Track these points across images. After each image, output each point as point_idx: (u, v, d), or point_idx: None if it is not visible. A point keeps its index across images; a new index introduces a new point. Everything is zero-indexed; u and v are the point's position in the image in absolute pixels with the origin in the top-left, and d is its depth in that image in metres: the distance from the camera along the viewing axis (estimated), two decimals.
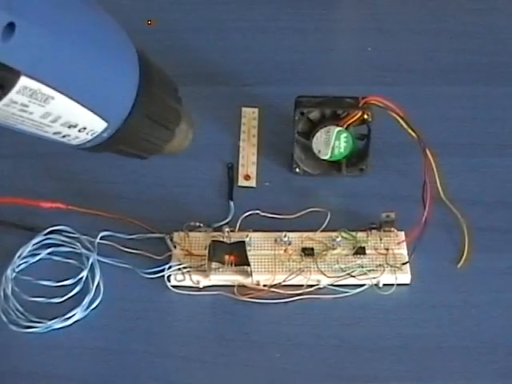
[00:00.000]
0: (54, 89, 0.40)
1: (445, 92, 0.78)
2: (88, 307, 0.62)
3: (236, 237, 0.64)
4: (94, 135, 0.46)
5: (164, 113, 0.51)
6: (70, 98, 0.42)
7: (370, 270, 0.63)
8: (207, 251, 0.62)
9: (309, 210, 0.67)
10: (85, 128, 0.45)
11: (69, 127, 0.44)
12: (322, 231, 0.65)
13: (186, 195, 0.70)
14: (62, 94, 0.41)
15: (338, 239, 0.64)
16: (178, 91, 0.52)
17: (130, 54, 0.46)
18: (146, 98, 0.47)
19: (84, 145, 0.47)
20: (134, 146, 0.50)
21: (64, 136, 0.45)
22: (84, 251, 0.65)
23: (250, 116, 0.76)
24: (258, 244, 0.65)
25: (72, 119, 0.43)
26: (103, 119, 0.45)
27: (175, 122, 0.52)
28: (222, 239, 0.64)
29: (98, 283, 0.63)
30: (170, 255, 0.64)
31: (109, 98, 0.45)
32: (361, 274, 0.63)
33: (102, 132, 0.47)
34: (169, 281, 0.63)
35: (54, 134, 0.44)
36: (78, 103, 0.42)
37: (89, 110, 0.44)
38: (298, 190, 0.71)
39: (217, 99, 0.77)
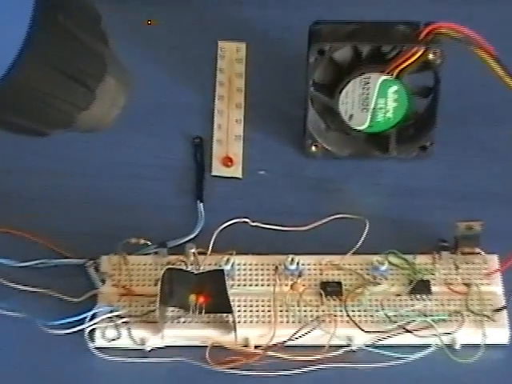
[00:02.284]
0: None
1: None
2: None
3: (209, 263, 0.54)
4: None
5: (77, 59, 0.45)
6: None
7: (438, 321, 0.52)
8: (159, 288, 0.52)
9: (333, 217, 0.56)
10: None
11: None
12: (355, 253, 0.55)
13: (125, 193, 0.60)
14: None
15: (383, 267, 0.54)
16: (100, 23, 0.47)
17: None
18: (46, 33, 0.43)
19: None
20: (27, 113, 0.45)
21: None
22: None
23: (231, 55, 0.67)
24: (246, 275, 0.55)
25: None
26: None
27: (97, 76, 0.46)
28: (184, 267, 0.54)
29: None
30: (95, 295, 0.54)
31: None
32: (423, 328, 0.52)
33: None
34: (92, 340, 0.52)
35: None
36: None
37: None
38: (315, 183, 0.61)
39: (178, 29, 0.68)
